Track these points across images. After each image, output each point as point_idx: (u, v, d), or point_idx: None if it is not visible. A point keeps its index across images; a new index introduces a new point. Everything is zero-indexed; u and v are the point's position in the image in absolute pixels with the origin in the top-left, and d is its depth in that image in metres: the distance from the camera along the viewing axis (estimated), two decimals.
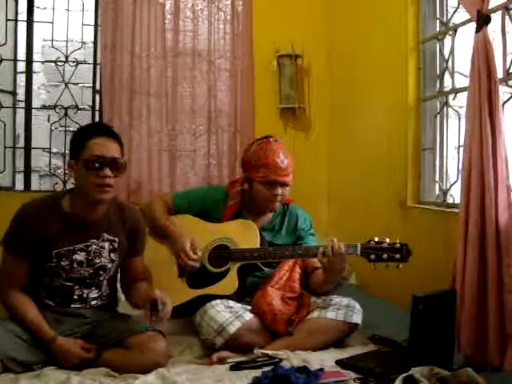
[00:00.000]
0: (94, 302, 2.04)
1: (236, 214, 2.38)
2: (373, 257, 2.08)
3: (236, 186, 2.43)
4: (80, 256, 1.97)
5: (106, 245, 2.01)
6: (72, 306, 2.00)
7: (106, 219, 2.01)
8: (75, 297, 2.00)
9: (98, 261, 2.00)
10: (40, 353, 1.86)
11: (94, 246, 1.99)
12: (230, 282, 2.21)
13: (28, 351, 1.84)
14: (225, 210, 2.39)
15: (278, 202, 2.33)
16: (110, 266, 2.03)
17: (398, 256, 2.07)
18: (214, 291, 2.20)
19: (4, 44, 3.27)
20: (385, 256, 2.07)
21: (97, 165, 1.87)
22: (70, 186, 3.19)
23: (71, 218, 1.96)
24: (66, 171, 3.43)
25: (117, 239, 2.03)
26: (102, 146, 1.89)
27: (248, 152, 2.39)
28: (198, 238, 2.30)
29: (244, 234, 2.28)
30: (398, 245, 2.08)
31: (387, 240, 2.09)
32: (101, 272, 2.02)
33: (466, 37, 2.36)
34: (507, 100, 2.12)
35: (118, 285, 2.20)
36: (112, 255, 2.03)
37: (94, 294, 2.04)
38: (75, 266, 1.96)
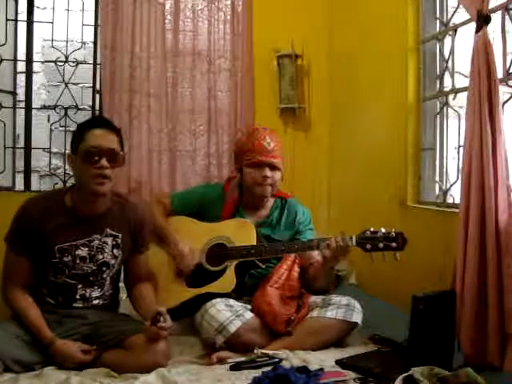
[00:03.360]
0: (95, 302, 2.04)
1: (234, 210, 2.39)
2: (368, 246, 2.08)
3: (232, 182, 2.45)
4: (82, 251, 1.97)
5: (109, 240, 2.02)
6: (74, 305, 2.00)
7: (108, 214, 2.02)
8: (77, 296, 2.00)
9: (100, 256, 2.00)
10: (40, 353, 1.86)
11: (97, 242, 1.99)
12: (228, 280, 2.21)
13: (28, 352, 1.85)
14: (223, 207, 2.39)
15: (269, 185, 2.34)
16: (113, 262, 2.04)
17: (394, 244, 2.06)
18: (213, 289, 2.21)
19: (4, 44, 3.26)
20: (381, 245, 2.07)
21: (94, 155, 1.89)
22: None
23: (73, 213, 1.97)
24: (67, 168, 3.44)
25: (120, 235, 2.04)
26: (100, 137, 1.91)
27: (237, 143, 2.48)
28: (195, 239, 2.32)
29: (240, 232, 2.29)
30: (393, 233, 2.07)
31: (382, 229, 2.09)
32: (104, 268, 2.02)
33: (466, 37, 2.36)
34: (507, 100, 2.11)
35: (121, 285, 2.21)
36: (115, 251, 2.04)
37: (96, 293, 2.04)
38: (78, 261, 1.97)
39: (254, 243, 2.25)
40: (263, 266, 2.27)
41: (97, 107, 3.40)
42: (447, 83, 2.63)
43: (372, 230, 2.10)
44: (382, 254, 2.07)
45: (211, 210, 2.41)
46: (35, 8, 3.40)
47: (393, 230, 2.08)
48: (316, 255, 2.30)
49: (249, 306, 2.19)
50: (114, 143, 1.94)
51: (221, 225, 2.35)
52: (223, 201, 2.42)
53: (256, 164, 2.33)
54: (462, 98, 2.36)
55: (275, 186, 2.39)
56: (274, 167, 2.34)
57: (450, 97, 2.60)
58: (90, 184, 1.91)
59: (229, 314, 2.07)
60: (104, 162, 1.89)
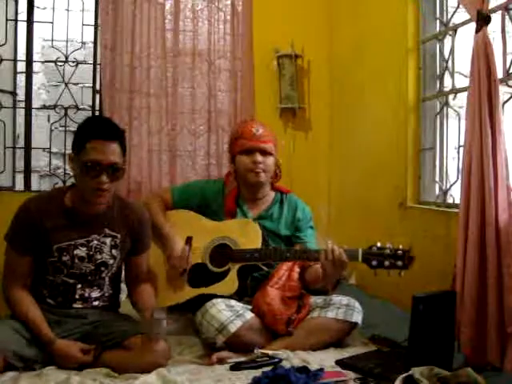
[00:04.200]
0: (95, 303, 2.04)
1: (235, 204, 2.39)
2: (374, 263, 2.04)
3: (231, 176, 2.46)
4: (81, 251, 1.97)
5: (108, 240, 2.02)
6: (74, 306, 2.00)
7: (107, 215, 2.02)
8: (77, 296, 2.00)
9: (99, 256, 2.00)
10: (41, 349, 1.86)
11: (96, 242, 1.99)
12: (230, 283, 2.21)
13: (29, 347, 1.85)
14: (224, 201, 2.40)
15: (261, 171, 2.34)
16: (111, 262, 2.03)
17: (399, 263, 2.02)
18: (214, 291, 2.20)
19: (4, 44, 3.26)
20: (386, 263, 2.02)
21: (93, 170, 1.86)
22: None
23: (73, 213, 1.97)
24: (67, 168, 3.44)
25: (119, 235, 2.04)
26: (101, 150, 1.86)
27: (230, 135, 2.55)
28: (198, 235, 2.31)
29: (246, 234, 2.27)
30: (401, 252, 2.02)
31: (389, 245, 2.04)
32: (102, 268, 2.02)
33: (466, 37, 2.36)
34: (507, 100, 2.11)
35: (122, 285, 2.21)
36: (113, 251, 2.03)
37: (95, 293, 2.04)
38: (76, 261, 1.97)
39: (259, 246, 2.24)
40: (266, 269, 2.27)
41: (97, 107, 3.40)
42: (447, 83, 2.63)
43: (379, 245, 2.06)
44: (387, 270, 2.05)
45: (213, 206, 2.41)
46: (35, 8, 3.39)
47: (400, 246, 2.03)
48: None
49: (249, 307, 2.19)
50: (116, 156, 1.89)
51: (226, 224, 2.34)
52: (223, 195, 2.42)
53: (246, 150, 2.34)
54: (462, 98, 2.36)
55: (269, 173, 2.39)
56: (264, 152, 2.35)
57: (450, 97, 2.60)
58: (87, 195, 1.91)
59: (229, 313, 2.07)
60: (104, 177, 1.87)
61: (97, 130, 1.92)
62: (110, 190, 1.92)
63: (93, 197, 1.90)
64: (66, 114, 3.38)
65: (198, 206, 2.41)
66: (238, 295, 2.23)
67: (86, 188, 1.90)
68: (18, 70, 3.51)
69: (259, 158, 2.33)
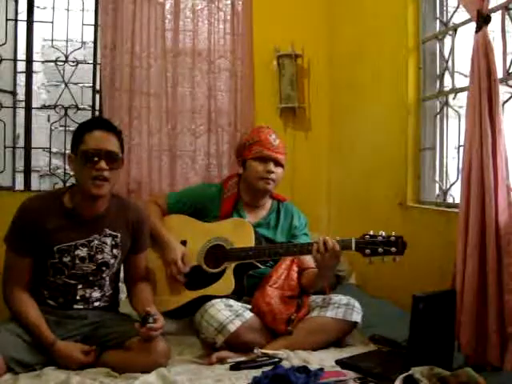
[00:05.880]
0: (96, 304, 2.04)
1: (233, 208, 2.39)
2: (368, 251, 2.05)
3: (231, 180, 2.46)
4: (82, 252, 1.97)
5: (108, 240, 2.02)
6: (75, 306, 2.00)
7: (107, 214, 2.02)
8: (78, 297, 2.00)
9: (100, 256, 2.00)
10: (41, 354, 1.86)
11: (96, 242, 1.99)
12: (227, 283, 2.21)
13: (29, 352, 1.84)
14: (221, 205, 2.39)
15: (271, 180, 2.35)
16: (112, 261, 2.04)
17: (393, 249, 2.03)
18: (212, 292, 2.20)
19: (4, 44, 3.26)
20: (380, 250, 2.03)
21: (93, 157, 1.89)
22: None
23: (72, 214, 1.97)
24: (67, 168, 3.44)
25: (119, 235, 2.04)
26: (99, 139, 1.91)
27: (242, 139, 2.53)
28: (193, 239, 2.31)
29: (239, 233, 2.28)
30: (393, 238, 2.04)
31: (382, 233, 2.06)
32: (103, 268, 2.02)
33: (466, 37, 2.36)
34: (507, 100, 2.11)
35: (121, 284, 2.21)
36: (114, 251, 2.04)
37: (96, 293, 2.04)
38: (77, 261, 1.97)
39: (253, 244, 2.24)
40: (262, 267, 2.27)
41: (97, 107, 3.41)
42: (447, 83, 2.63)
43: (371, 233, 2.07)
44: (381, 257, 2.05)
45: (209, 209, 2.41)
46: (35, 8, 3.40)
47: (393, 233, 2.05)
48: (312, 263, 2.28)
49: (249, 306, 2.19)
50: (114, 145, 1.94)
51: (219, 225, 2.34)
52: (221, 200, 2.42)
53: (262, 158, 2.34)
54: (462, 98, 2.36)
55: (277, 183, 2.40)
56: (278, 163, 2.36)
57: (450, 97, 2.60)
58: (88, 186, 1.91)
59: (228, 313, 2.07)
60: (103, 164, 1.89)
61: (94, 123, 2.00)
62: (109, 181, 1.92)
63: (93, 187, 1.90)
64: (66, 114, 3.38)
65: (194, 212, 2.42)
66: (237, 295, 2.23)
67: (86, 180, 1.91)
68: (18, 69, 3.52)
69: (273, 167, 2.34)
